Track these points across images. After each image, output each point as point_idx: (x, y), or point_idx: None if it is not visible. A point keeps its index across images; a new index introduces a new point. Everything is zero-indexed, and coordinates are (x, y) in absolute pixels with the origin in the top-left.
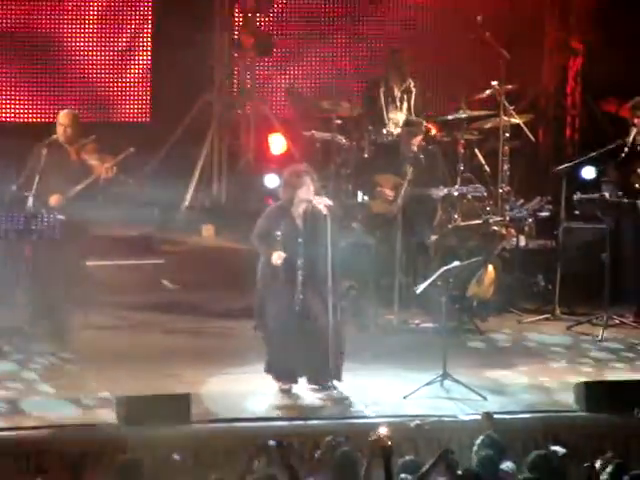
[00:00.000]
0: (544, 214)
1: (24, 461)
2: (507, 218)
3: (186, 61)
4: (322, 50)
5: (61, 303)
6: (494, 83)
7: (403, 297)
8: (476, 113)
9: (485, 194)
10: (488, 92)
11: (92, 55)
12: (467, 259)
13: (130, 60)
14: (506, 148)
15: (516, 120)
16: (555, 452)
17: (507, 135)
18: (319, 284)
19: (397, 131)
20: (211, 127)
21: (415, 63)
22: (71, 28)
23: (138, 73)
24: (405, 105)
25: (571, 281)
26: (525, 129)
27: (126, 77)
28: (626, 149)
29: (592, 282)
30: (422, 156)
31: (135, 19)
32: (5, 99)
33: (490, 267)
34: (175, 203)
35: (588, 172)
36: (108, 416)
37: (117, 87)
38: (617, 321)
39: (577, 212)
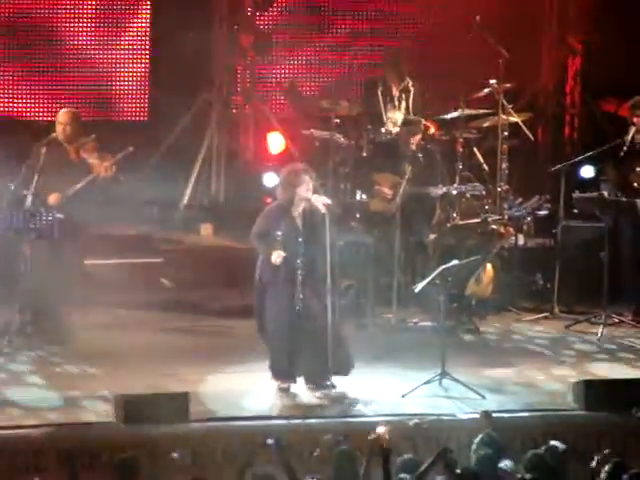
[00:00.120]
0: (543, 213)
1: (22, 460)
2: (506, 217)
3: (185, 60)
4: (321, 49)
5: (60, 302)
6: (493, 82)
7: (402, 296)
8: (475, 112)
9: (484, 193)
10: (487, 91)
11: (91, 53)
12: (466, 258)
13: (129, 59)
14: (505, 147)
15: (515, 119)
16: (555, 447)
17: (506, 134)
18: (318, 283)
19: (396, 130)
20: (210, 126)
21: (413, 62)
22: (70, 26)
23: (136, 72)
24: (403, 104)
25: (570, 280)
26: (524, 128)
27: (124, 76)
28: (625, 148)
29: (591, 281)
30: (421, 155)
31: (134, 18)
32: (4, 97)
33: (489, 266)
34: (174, 202)
35: (587, 171)
36: (107, 415)
37: (115, 86)
38: (616, 320)
39: (576, 211)
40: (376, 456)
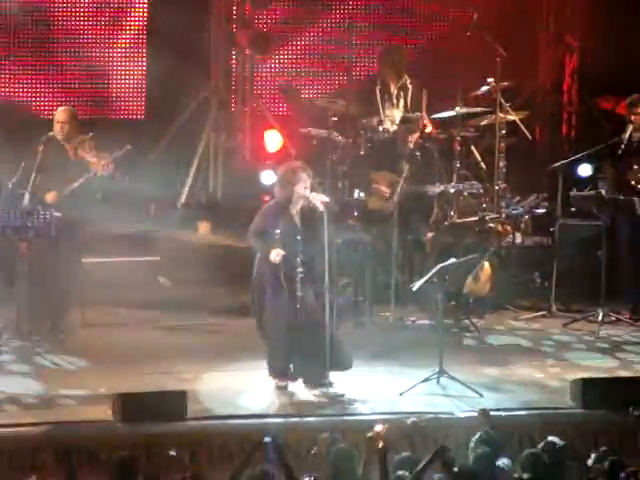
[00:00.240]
0: (540, 211)
1: (20, 458)
2: (503, 215)
3: (182, 57)
4: (319, 47)
5: (58, 301)
6: (490, 80)
7: (399, 294)
8: (472, 110)
9: (481, 191)
10: (484, 89)
11: (87, 51)
12: (463, 256)
13: (126, 56)
14: (502, 145)
15: (512, 117)
16: (553, 443)
17: (503, 132)
18: (316, 281)
19: (393, 128)
20: (207, 124)
21: (411, 60)
22: (67, 24)
23: (134, 70)
24: (401, 102)
25: (567, 278)
26: (521, 126)
27: (122, 74)
28: (622, 146)
29: (588, 279)
30: (418, 153)
31: (131, 15)
32: (2, 94)
33: (486, 264)
34: (171, 200)
35: (584, 169)
36: (105, 413)
37: (112, 83)
38: (613, 318)
39: (573, 209)
40: (374, 454)
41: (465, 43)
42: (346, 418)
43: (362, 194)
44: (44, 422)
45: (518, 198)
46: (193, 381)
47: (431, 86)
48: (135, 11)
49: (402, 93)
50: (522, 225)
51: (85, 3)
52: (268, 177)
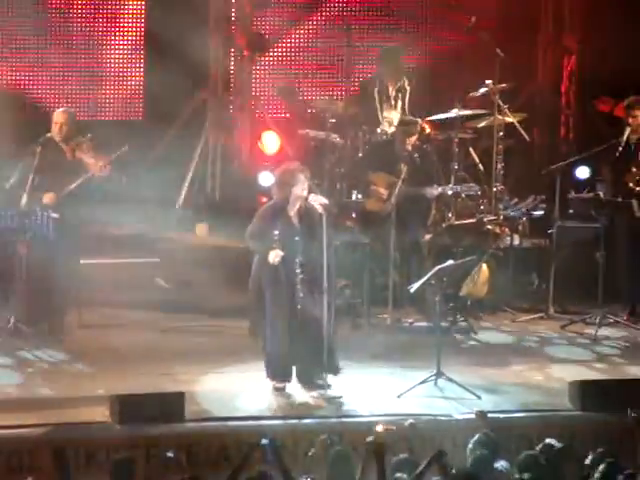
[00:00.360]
0: (538, 213)
1: (17, 459)
2: (501, 217)
3: (180, 59)
4: (317, 49)
5: (56, 302)
6: (488, 82)
7: (397, 296)
8: (470, 112)
9: (479, 193)
10: (482, 91)
11: (85, 52)
12: (461, 258)
13: (124, 57)
14: (500, 147)
15: (510, 119)
16: (550, 445)
17: (501, 134)
18: (314, 283)
19: (391, 130)
20: (205, 126)
21: (409, 61)
22: (64, 25)
23: (132, 71)
24: (399, 104)
25: (565, 280)
26: (519, 128)
27: (119, 75)
28: (620, 148)
29: (586, 281)
30: (416, 155)
31: (129, 16)
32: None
33: (484, 266)
34: (170, 201)
35: (582, 171)
36: (102, 415)
37: (110, 85)
38: (611, 320)
39: (571, 211)
40: (372, 456)
41: (463, 45)
42: (344, 420)
43: (360, 196)
44: (42, 423)
45: (516, 200)
46: (191, 382)
47: (429, 87)
48: (133, 12)
49: (400, 95)
50: (520, 227)
51: (83, 5)
52: (266, 178)
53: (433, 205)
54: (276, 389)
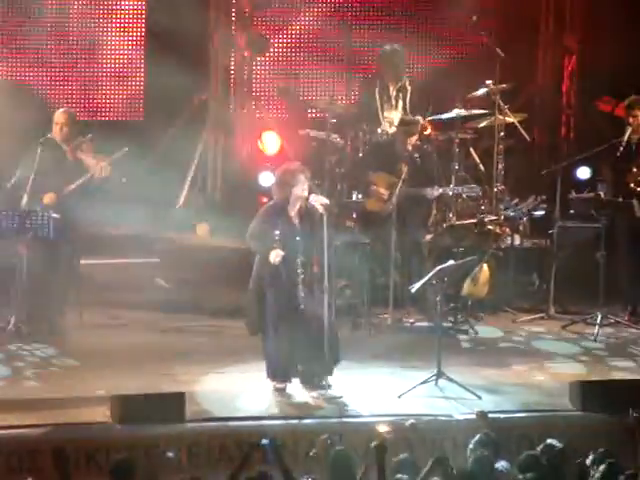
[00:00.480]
0: (539, 213)
1: (17, 460)
2: (502, 217)
3: (181, 59)
4: (317, 48)
5: (56, 302)
6: (489, 82)
7: (398, 296)
8: (471, 112)
9: (480, 193)
10: (483, 91)
11: (85, 52)
12: (462, 258)
13: (123, 57)
14: (501, 147)
15: (511, 119)
16: (552, 445)
17: (502, 134)
18: (315, 283)
19: (392, 130)
20: (206, 126)
21: (410, 61)
22: (64, 25)
23: (131, 71)
24: (400, 104)
25: (566, 280)
26: (520, 128)
27: (120, 75)
28: (621, 148)
29: (587, 281)
30: (417, 155)
31: (129, 16)
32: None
33: (485, 266)
34: (170, 202)
35: (583, 171)
36: (103, 415)
37: (111, 85)
38: (612, 320)
39: (572, 211)
40: (373, 456)
41: (464, 45)
42: (344, 420)
43: (360, 196)
44: (42, 424)
45: (517, 200)
46: (191, 383)
47: (430, 87)
48: (133, 13)
49: (401, 94)
50: (521, 227)
51: (84, 4)
52: (266, 179)
53: (434, 205)
54: (277, 389)
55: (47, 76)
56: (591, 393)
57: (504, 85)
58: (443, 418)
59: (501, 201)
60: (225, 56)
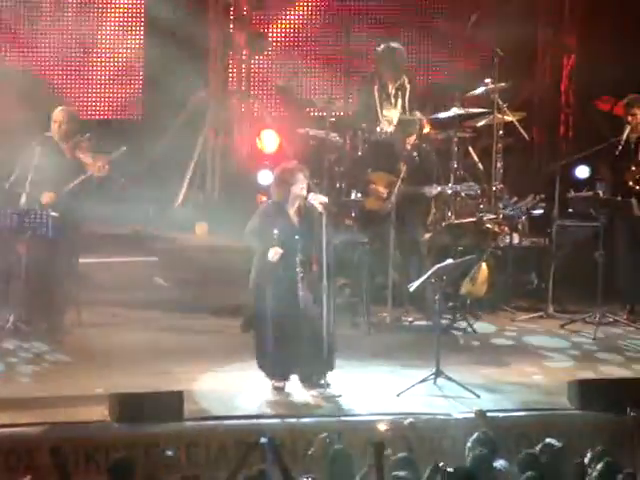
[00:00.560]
0: (538, 212)
1: (15, 458)
2: (500, 216)
3: (179, 58)
4: (316, 47)
5: (55, 301)
6: (488, 81)
7: (397, 295)
8: (470, 111)
9: (479, 192)
10: (482, 90)
11: (83, 52)
12: (460, 257)
13: (122, 56)
14: (500, 146)
15: (510, 118)
16: (550, 444)
17: (501, 133)
18: (314, 281)
19: (391, 129)
20: (205, 124)
21: (409, 59)
22: (62, 24)
23: (130, 70)
24: (399, 102)
25: (564, 279)
26: (519, 127)
27: (119, 74)
28: (620, 147)
29: (585, 280)
30: (416, 154)
31: (127, 15)
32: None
33: (483, 265)
34: (168, 200)
35: (582, 170)
36: (101, 413)
37: (108, 84)
38: (610, 319)
39: (571, 210)
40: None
41: (463, 44)
42: (343, 419)
43: (359, 195)
44: (40, 422)
45: (515, 199)
46: (190, 381)
47: (429, 86)
48: (132, 12)
49: (400, 93)
50: (519, 226)
51: (82, 5)
52: (265, 177)
53: (433, 204)
54: (275, 388)
55: (47, 76)
56: (589, 392)
57: (503, 84)
58: (442, 417)
59: (500, 200)
60: (224, 55)
